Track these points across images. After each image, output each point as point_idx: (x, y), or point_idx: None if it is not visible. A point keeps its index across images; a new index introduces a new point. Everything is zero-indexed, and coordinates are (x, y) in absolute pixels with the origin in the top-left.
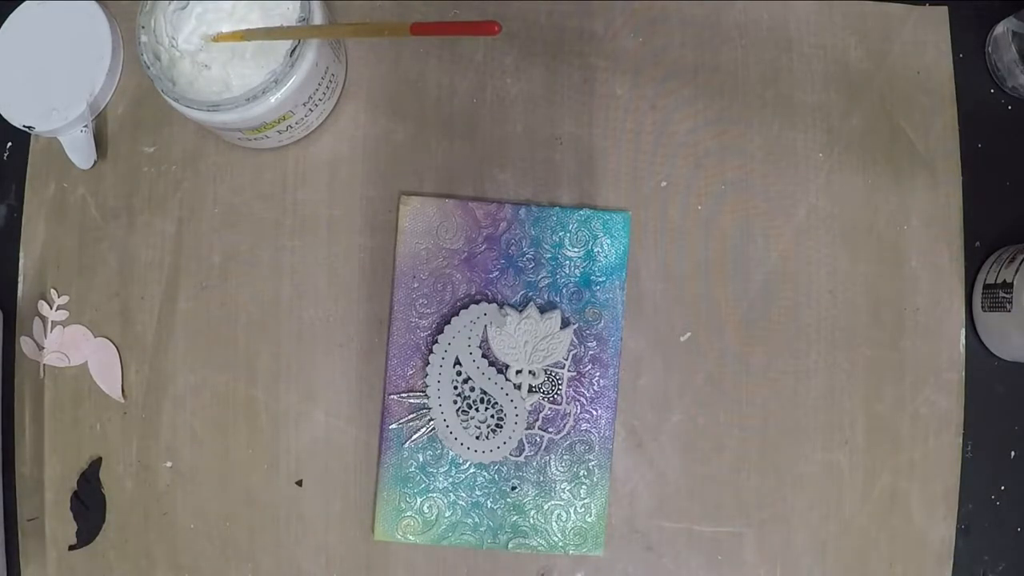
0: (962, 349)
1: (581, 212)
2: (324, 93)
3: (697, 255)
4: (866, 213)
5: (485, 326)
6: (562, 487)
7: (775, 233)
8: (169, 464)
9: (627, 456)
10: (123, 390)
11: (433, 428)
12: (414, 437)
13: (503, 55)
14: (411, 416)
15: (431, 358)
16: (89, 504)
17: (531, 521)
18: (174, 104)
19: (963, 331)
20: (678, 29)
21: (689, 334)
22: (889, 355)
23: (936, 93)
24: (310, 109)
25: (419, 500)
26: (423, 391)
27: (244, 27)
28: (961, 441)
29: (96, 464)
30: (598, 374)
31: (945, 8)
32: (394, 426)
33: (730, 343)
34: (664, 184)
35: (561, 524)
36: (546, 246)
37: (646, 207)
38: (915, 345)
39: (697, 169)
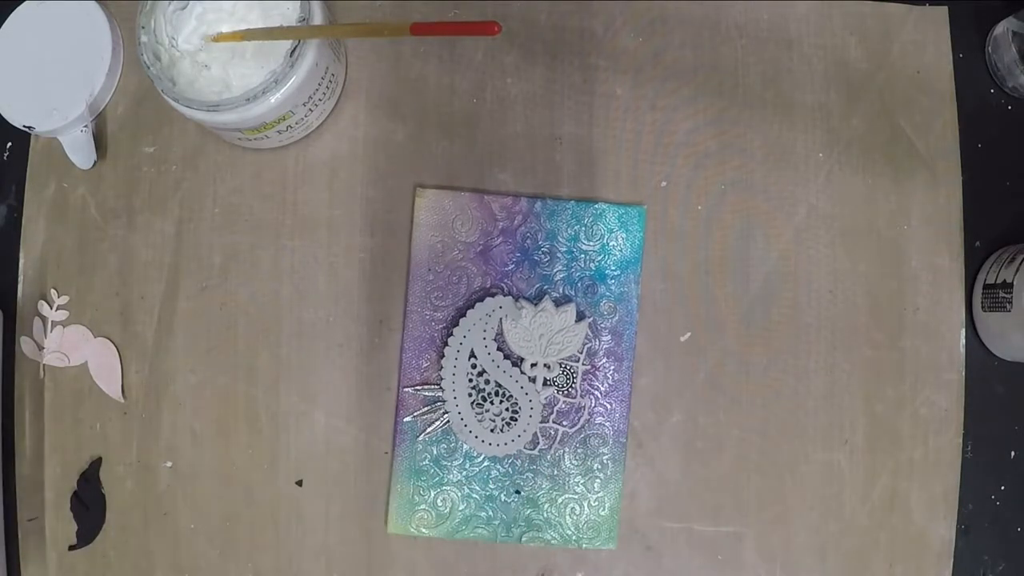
0: (962, 349)
1: (597, 206)
2: (324, 93)
3: (697, 255)
4: (866, 213)
5: (500, 319)
6: (576, 480)
7: (775, 233)
8: (169, 464)
9: (627, 456)
10: (123, 390)
11: (448, 421)
12: (428, 430)
13: (503, 55)
14: (426, 409)
15: (446, 351)
16: (89, 504)
17: (545, 515)
18: (174, 104)
19: (963, 331)
20: (678, 29)
21: (689, 334)
22: (889, 355)
23: (936, 93)
24: (310, 109)
25: (432, 493)
26: (438, 384)
27: (244, 27)
28: (961, 441)
29: (96, 464)
30: (612, 368)
31: (945, 8)
32: (408, 419)
33: (730, 343)
34: (664, 184)
35: (575, 518)
36: (561, 239)
37: (646, 207)
38: (915, 345)
39: (697, 169)
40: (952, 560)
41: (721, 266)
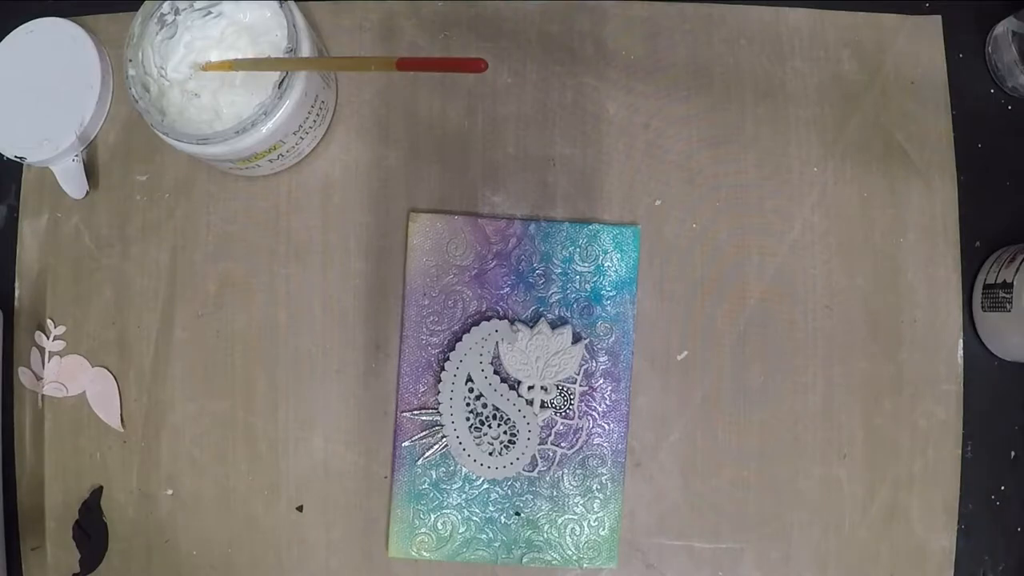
0: (960, 360)
1: (591, 227)
2: (315, 120)
3: (693, 273)
4: (862, 226)
5: (497, 343)
6: (575, 501)
7: (770, 249)
8: (170, 492)
9: (626, 475)
10: (122, 419)
11: (446, 445)
12: (427, 454)
13: (494, 77)
14: (424, 433)
15: (443, 375)
16: (91, 532)
17: (545, 536)
18: (164, 138)
19: (961, 342)
20: (669, 48)
21: (686, 353)
22: (887, 368)
23: (930, 103)
24: (300, 137)
25: (432, 517)
26: (435, 408)
27: (233, 53)
28: (960, 452)
29: (97, 493)
30: (610, 388)
31: (939, 17)
32: (407, 443)
33: (727, 360)
34: (658, 203)
35: (575, 538)
36: (556, 261)
37: (641, 226)
38: (913, 357)
39: (691, 187)
40: (953, 570)
41: (717, 284)
